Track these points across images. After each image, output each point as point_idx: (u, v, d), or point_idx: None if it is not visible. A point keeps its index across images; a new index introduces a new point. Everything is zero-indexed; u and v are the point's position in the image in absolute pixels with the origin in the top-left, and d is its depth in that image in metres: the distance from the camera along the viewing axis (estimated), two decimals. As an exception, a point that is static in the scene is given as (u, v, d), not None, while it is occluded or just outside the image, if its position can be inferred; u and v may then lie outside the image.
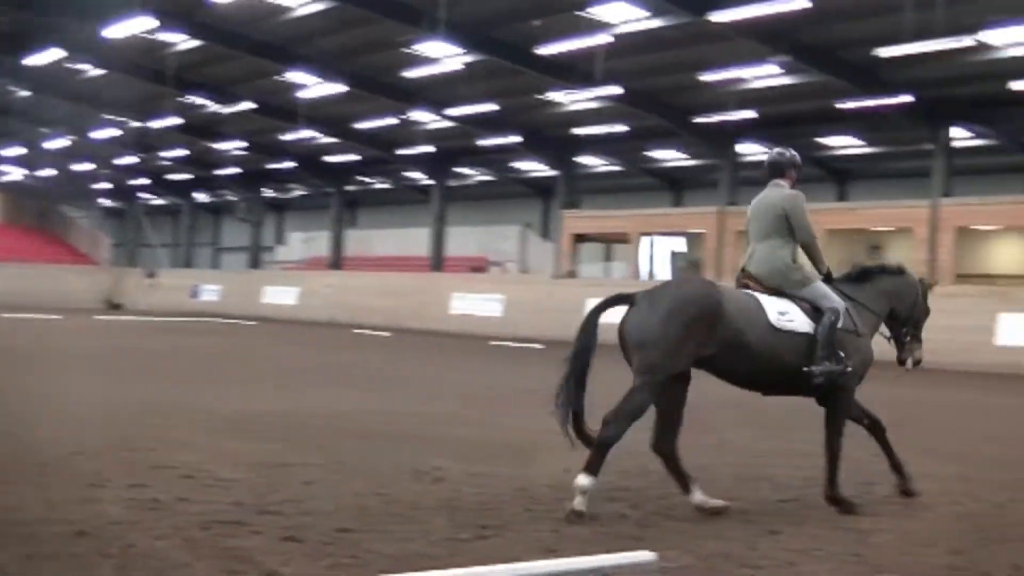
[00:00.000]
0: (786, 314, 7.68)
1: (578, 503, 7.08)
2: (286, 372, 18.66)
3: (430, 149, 46.90)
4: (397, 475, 8.39)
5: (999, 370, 23.88)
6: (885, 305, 8.40)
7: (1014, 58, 29.19)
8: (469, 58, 34.19)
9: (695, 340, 7.34)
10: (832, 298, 7.87)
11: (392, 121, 42.60)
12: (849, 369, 7.73)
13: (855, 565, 5.98)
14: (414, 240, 55.09)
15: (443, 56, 34.30)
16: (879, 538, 6.70)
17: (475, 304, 38.22)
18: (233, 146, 51.69)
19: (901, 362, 8.59)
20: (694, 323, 7.31)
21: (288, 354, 23.48)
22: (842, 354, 7.71)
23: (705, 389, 15.98)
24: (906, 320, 8.56)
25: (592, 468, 7.28)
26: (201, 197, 71.52)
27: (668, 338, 7.31)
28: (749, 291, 7.87)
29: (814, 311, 7.78)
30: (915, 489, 8.12)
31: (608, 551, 5.82)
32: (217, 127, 49.19)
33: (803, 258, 8.13)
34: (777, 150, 8.59)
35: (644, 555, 5.76)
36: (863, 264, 8.64)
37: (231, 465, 8.56)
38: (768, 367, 7.63)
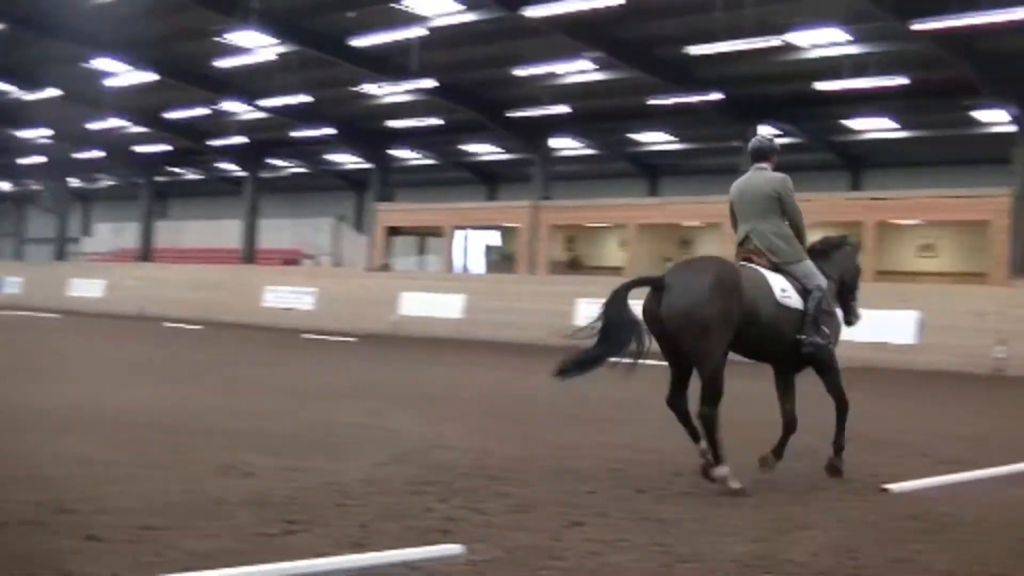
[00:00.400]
0: (786, 291, 8.43)
1: (735, 484, 7.91)
2: (90, 366, 18.17)
3: (243, 140, 46.28)
4: (205, 471, 8.25)
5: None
6: (839, 276, 9.11)
7: (819, 59, 30.24)
8: (283, 48, 33.81)
9: (736, 312, 7.94)
10: (819, 276, 8.68)
11: (204, 111, 41.92)
12: (832, 345, 8.66)
13: (659, 554, 6.11)
14: (226, 232, 54.21)
15: (256, 46, 33.85)
16: (683, 527, 6.86)
17: (288, 297, 37.89)
18: (37, 134, 50.01)
19: (849, 323, 9.26)
20: (732, 297, 7.90)
21: (93, 348, 22.88)
22: (826, 330, 8.59)
23: (509, 387, 16.11)
24: (852, 286, 9.31)
25: (718, 457, 8.00)
26: (3, 186, 69.19)
27: (721, 315, 7.85)
28: (755, 267, 8.48)
29: (803, 288, 8.55)
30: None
31: (416, 545, 5.84)
32: (20, 114, 47.46)
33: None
34: (759, 136, 9.19)
35: (451, 548, 5.80)
36: (828, 239, 9.33)
37: (28, 463, 8.31)
38: (773, 339, 8.38)
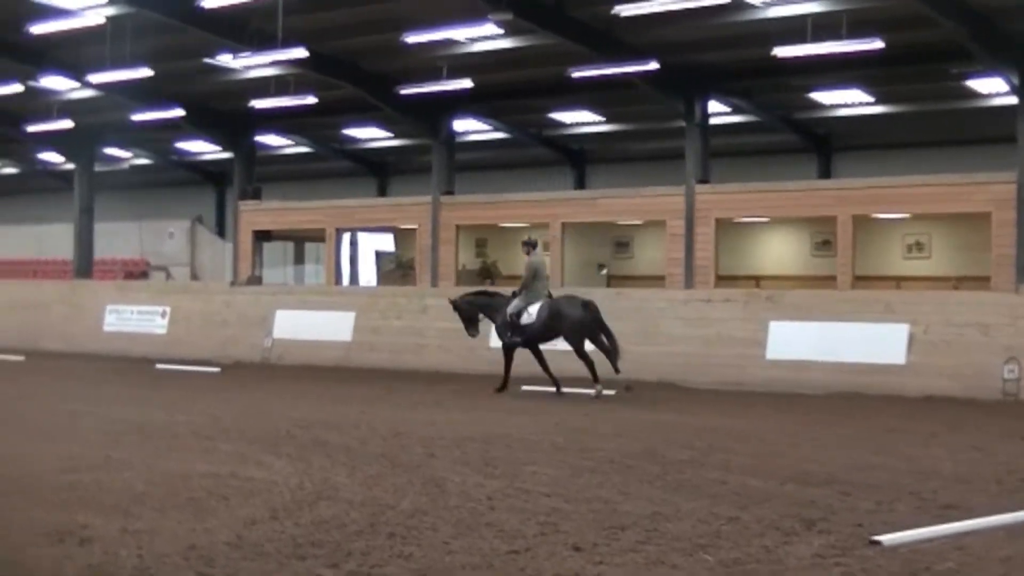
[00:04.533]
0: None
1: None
2: None
3: (69, 125, 45.65)
4: (31, 536, 8.13)
5: (768, 387, 24.84)
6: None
7: (777, 19, 30.22)
8: (112, 10, 33.34)
9: None
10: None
11: (17, 88, 41.19)
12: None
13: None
14: (53, 239, 53.48)
15: (80, 7, 33.33)
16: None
17: (134, 319, 37.50)
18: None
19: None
20: None
21: None
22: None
23: (408, 424, 16.11)
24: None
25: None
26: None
27: None
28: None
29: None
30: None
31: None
32: None
33: None
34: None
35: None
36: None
37: None
38: None
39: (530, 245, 24.44)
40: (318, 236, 40.53)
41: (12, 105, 44.97)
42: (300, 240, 45.95)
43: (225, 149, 47.10)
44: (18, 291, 41.91)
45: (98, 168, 50.88)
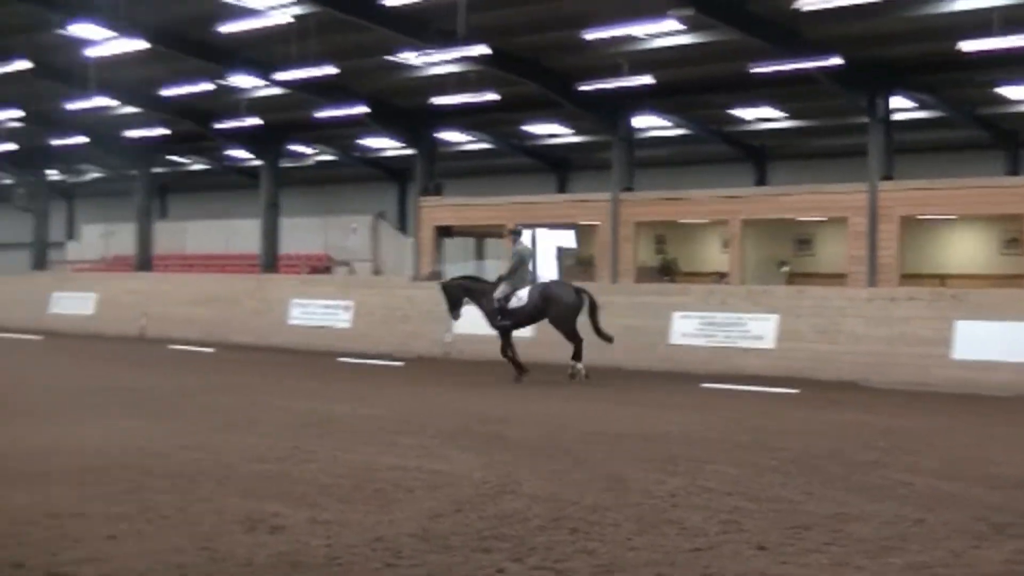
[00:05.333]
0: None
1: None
2: (78, 399, 18.34)
3: (256, 122, 46.48)
4: (224, 525, 8.30)
5: (954, 388, 24.37)
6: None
7: (964, 12, 29.62)
8: (299, 9, 33.86)
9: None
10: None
11: (207, 87, 42.01)
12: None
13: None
14: (240, 234, 54.59)
15: (267, 7, 33.92)
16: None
17: (319, 313, 37.99)
18: (5, 116, 50.38)
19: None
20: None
21: (81, 376, 23.07)
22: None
23: (586, 421, 16.09)
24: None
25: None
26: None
27: None
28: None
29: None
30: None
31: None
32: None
33: None
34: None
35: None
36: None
37: (8, 519, 8.39)
38: None
39: (516, 233, 25.35)
40: (499, 232, 40.66)
41: (202, 104, 45.98)
42: (481, 236, 46.23)
43: (407, 145, 47.63)
44: (209, 285, 42.60)
45: (284, 165, 51.81)
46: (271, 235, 49.58)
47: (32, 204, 61.32)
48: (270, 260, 49.07)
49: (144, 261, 54.45)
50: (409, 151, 48.08)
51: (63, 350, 32.63)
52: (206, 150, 57.24)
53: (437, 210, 41.86)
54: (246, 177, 58.22)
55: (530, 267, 25.38)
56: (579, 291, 24.20)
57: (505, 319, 24.04)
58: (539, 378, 23.24)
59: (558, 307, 23.78)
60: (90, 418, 15.48)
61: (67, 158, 61.06)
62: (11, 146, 56.49)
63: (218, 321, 39.52)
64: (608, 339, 23.84)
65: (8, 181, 65.40)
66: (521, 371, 23.84)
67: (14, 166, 61.16)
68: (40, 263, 60.30)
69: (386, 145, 53.05)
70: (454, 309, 25.18)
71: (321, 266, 51.66)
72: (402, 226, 56.31)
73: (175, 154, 58.70)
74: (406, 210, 57.07)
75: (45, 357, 29.57)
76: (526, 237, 26.53)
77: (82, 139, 53.08)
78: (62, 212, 72.67)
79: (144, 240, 55.30)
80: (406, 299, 36.34)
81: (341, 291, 38.66)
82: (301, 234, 53.46)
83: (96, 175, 66.83)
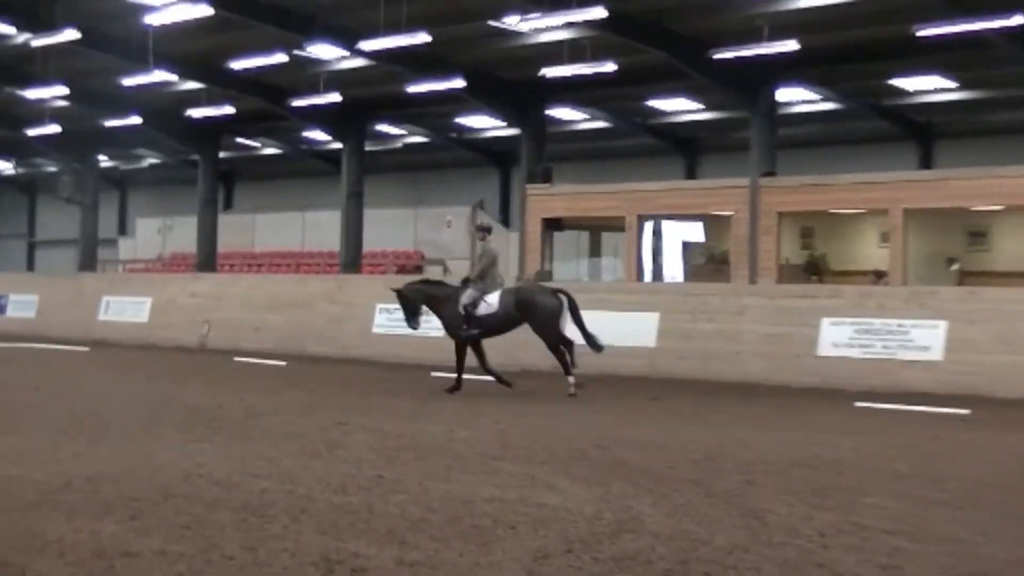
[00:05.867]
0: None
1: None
2: (131, 419, 18.53)
3: (337, 99, 46.74)
4: (299, 567, 8.35)
5: None
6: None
7: None
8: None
9: None
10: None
11: (281, 58, 42.31)
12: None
13: None
14: (318, 228, 55.12)
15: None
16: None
17: (403, 319, 38.05)
18: (50, 93, 51.02)
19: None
20: None
21: (135, 393, 23.33)
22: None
23: (729, 445, 16.05)
24: None
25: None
26: (6, 168, 71.07)
27: None
28: None
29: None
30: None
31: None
32: (25, 65, 48.44)
33: None
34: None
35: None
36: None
37: (49, 555, 8.49)
38: None
39: (484, 230, 25.59)
40: (617, 225, 40.59)
41: (275, 78, 46.27)
42: (596, 229, 46.14)
43: (511, 125, 47.72)
44: (281, 288, 42.79)
45: (369, 148, 52.08)
46: (353, 229, 49.87)
47: (79, 195, 61.87)
48: (352, 258, 49.37)
49: (206, 260, 54.93)
50: (513, 131, 48.20)
51: (114, 363, 33.01)
52: (279, 131, 57.74)
53: (546, 199, 41.84)
54: (325, 162, 58.75)
55: (500, 269, 25.74)
56: (557, 292, 24.62)
57: (472, 327, 24.35)
58: (661, 394, 23.17)
59: (537, 312, 24.23)
60: (145, 442, 15.64)
61: (120, 142, 61.80)
62: (55, 128, 57.02)
63: (291, 329, 39.79)
64: (598, 347, 24.19)
65: (52, 169, 66.23)
66: (457, 386, 24.46)
67: (59, 151, 61.76)
68: (88, 262, 60.86)
69: (487, 124, 53.22)
70: (412, 318, 25.61)
71: (411, 265, 51.96)
72: (504, 218, 56.52)
73: (243, 136, 59.32)
74: (509, 199, 57.29)
75: (93, 371, 29.92)
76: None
77: (137, 120, 53.64)
78: (113, 204, 73.72)
79: (206, 235, 55.78)
80: (511, 302, 36.43)
81: (434, 294, 38.78)
82: (388, 228, 53.81)
83: (152, 161, 67.72)
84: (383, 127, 54.27)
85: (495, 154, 58.47)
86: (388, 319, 37.77)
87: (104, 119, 55.40)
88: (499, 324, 24.53)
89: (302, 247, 56.43)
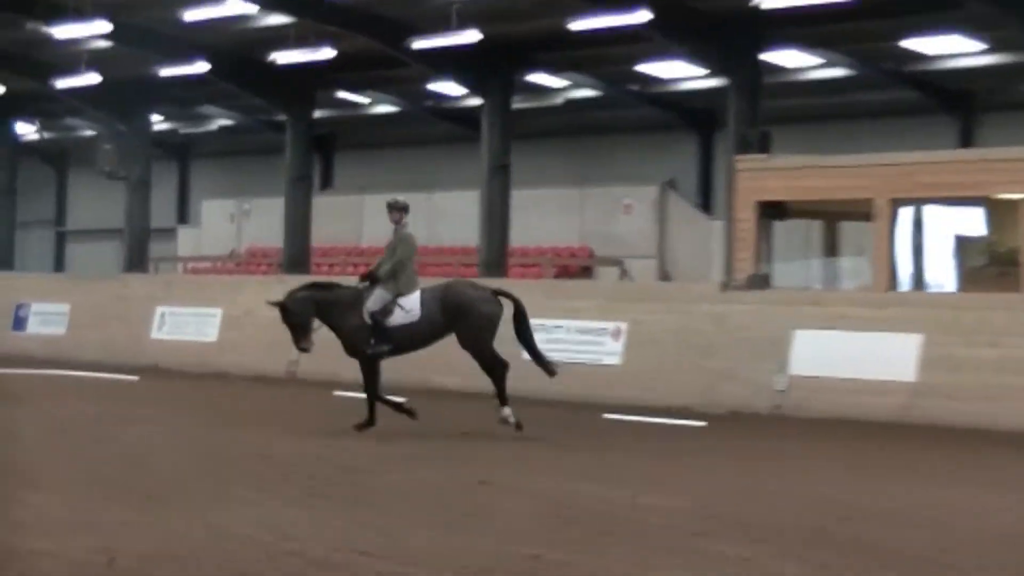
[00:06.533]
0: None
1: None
2: (195, 475, 18.80)
3: (474, 37, 46.86)
4: None
5: None
6: None
7: None
8: None
9: None
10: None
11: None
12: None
13: None
14: (448, 214, 55.30)
15: None
16: None
17: (570, 341, 38.00)
18: (88, 31, 51.58)
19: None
20: None
21: (200, 439, 23.62)
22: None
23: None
24: None
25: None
26: (27, 131, 71.80)
27: None
28: None
29: None
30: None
31: None
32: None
33: None
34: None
35: None
36: None
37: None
38: None
39: (400, 210, 25.24)
40: (861, 211, 40.36)
41: (391, 9, 46.67)
42: (832, 218, 45.93)
43: (714, 73, 47.61)
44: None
45: (518, 105, 52.08)
46: (497, 216, 49.82)
47: (124, 168, 61.94)
48: (495, 255, 49.36)
49: (296, 257, 55.20)
50: (717, 82, 48.08)
51: (171, 397, 33.37)
52: (395, 83, 57.93)
53: (762, 176, 41.71)
54: (457, 125, 58.89)
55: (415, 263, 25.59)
56: (497, 294, 24.66)
57: (383, 343, 24.22)
58: (922, 446, 23.05)
59: (470, 320, 24.20)
60: (214, 506, 15.80)
61: (179, 97, 62.25)
62: (94, 78, 56.97)
63: (412, 352, 39.85)
64: (550, 371, 24.90)
65: (88, 133, 66.71)
66: (371, 420, 24.31)
67: (99, 110, 61.88)
68: (136, 260, 61.08)
69: (680, 73, 53.03)
70: (302, 336, 25.20)
71: (576, 265, 51.96)
72: (704, 202, 56.22)
73: (347, 90, 59.55)
74: (711, 176, 56.96)
75: (144, 408, 30.16)
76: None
77: (203, 67, 53.91)
78: (170, 181, 74.22)
79: (297, 224, 56.03)
80: (711, 319, 36.28)
81: (607, 307, 38.75)
82: (544, 215, 53.86)
83: (223, 123, 68.12)
84: (538, 77, 54.13)
85: (691, 114, 58.05)
86: (545, 338, 37.69)
87: (159, 66, 55.73)
88: (421, 336, 24.50)
89: (427, 240, 56.68)
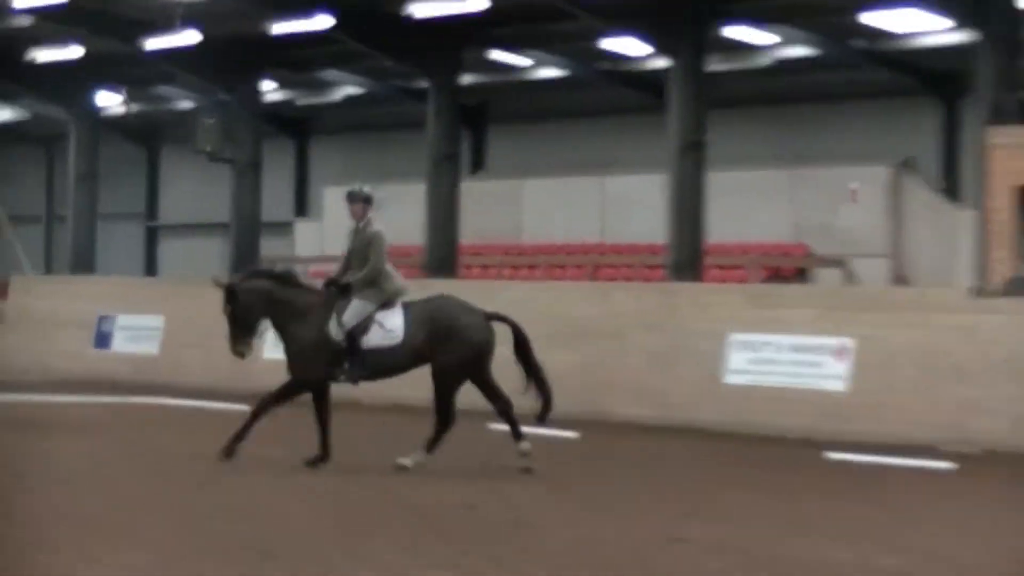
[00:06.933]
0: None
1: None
2: (322, 528, 19.01)
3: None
4: None
5: None
6: None
7: None
8: None
9: None
10: None
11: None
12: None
13: None
14: (627, 204, 55.21)
15: None
16: None
17: (780, 360, 37.76)
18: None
19: None
20: None
21: (326, 485, 23.65)
22: None
23: None
24: None
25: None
26: (111, 104, 72.37)
27: None
28: None
29: None
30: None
31: None
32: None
33: None
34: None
35: None
36: None
37: None
38: None
39: (363, 200, 25.70)
40: None
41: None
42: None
43: (960, 25, 47.31)
44: (568, 305, 42.64)
45: (714, 68, 51.88)
46: (689, 205, 49.59)
47: (231, 149, 62.36)
48: (688, 254, 49.17)
49: (442, 255, 55.42)
50: (963, 36, 47.79)
51: (291, 430, 33.44)
52: (561, 39, 57.96)
53: (1022, 153, 41.43)
54: (638, 92, 58.90)
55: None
56: (491, 317, 24.40)
57: (356, 368, 24.08)
58: None
59: (454, 344, 23.91)
60: (348, 569, 15.74)
61: (297, 60, 62.49)
62: (192, 37, 57.38)
63: (586, 376, 39.73)
64: (547, 403, 24.95)
65: (185, 105, 67.12)
66: (324, 455, 24.97)
67: (197, 76, 62.18)
68: (246, 260, 61.41)
69: (917, 27, 52.73)
70: (242, 336, 25.25)
71: (788, 267, 51.81)
72: (950, 185, 55.85)
73: (502, 48, 59.58)
74: (957, 155, 56.60)
75: (257, 446, 30.20)
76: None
77: (326, 21, 54.03)
78: (286, 163, 74.67)
79: (441, 214, 56.27)
80: (960, 334, 35.95)
81: (826, 317, 38.49)
82: (747, 203, 53.74)
83: (350, 92, 68.37)
84: (739, 31, 53.97)
85: (932, 76, 57.71)
86: (750, 359, 37.65)
87: (271, 22, 55.86)
88: (402, 362, 24.25)
89: (601, 235, 56.59)
